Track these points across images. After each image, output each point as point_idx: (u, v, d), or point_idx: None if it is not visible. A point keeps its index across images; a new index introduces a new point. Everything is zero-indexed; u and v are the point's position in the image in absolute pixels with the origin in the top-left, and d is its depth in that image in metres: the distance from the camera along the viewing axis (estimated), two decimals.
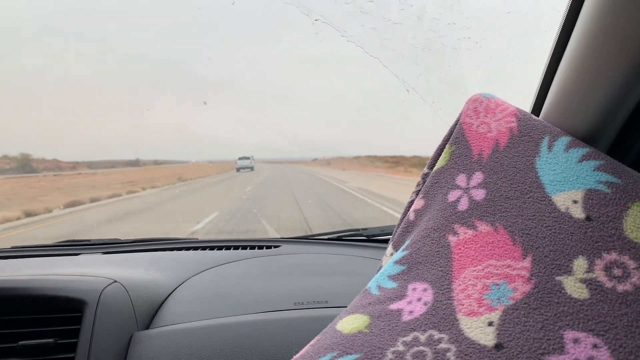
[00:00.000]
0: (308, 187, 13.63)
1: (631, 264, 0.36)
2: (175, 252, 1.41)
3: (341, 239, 1.54)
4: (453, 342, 0.38)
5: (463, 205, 0.47)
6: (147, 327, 0.91)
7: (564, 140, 0.44)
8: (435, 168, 0.52)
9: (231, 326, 0.87)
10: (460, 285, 0.42)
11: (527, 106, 0.56)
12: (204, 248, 1.45)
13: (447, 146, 0.52)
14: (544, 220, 0.41)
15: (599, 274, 0.36)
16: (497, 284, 0.40)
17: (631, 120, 0.44)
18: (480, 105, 0.51)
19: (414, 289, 0.45)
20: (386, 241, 1.36)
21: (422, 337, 0.40)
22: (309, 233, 1.74)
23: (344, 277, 1.17)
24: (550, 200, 0.42)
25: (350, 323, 0.44)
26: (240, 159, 26.09)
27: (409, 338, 0.40)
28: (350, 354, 0.40)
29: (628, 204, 0.38)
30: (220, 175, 21.51)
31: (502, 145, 0.48)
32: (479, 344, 0.37)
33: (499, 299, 0.39)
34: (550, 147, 0.45)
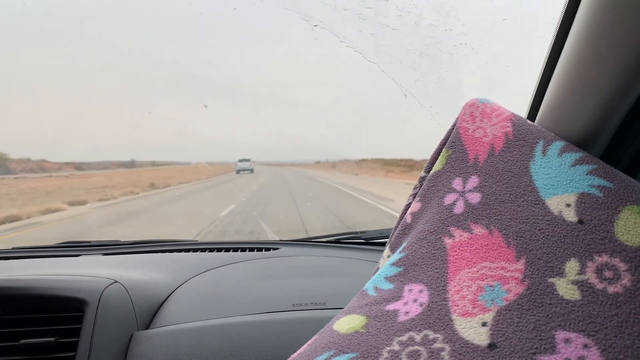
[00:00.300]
0: (329, 207, 8.20)
1: (622, 266, 0.36)
2: (174, 253, 1.41)
3: (339, 241, 1.54)
4: (447, 342, 0.39)
5: (459, 208, 0.48)
6: (147, 327, 0.92)
7: (558, 144, 0.45)
8: (431, 172, 0.53)
9: (230, 326, 0.88)
10: (455, 286, 0.43)
11: (522, 111, 0.56)
12: (203, 250, 1.45)
13: (443, 150, 0.53)
14: (538, 223, 0.42)
15: (591, 276, 0.37)
16: (492, 286, 0.41)
17: (624, 126, 0.45)
18: (476, 110, 0.52)
19: (410, 290, 0.45)
20: (384, 244, 1.37)
21: (418, 337, 0.40)
22: None
23: (342, 279, 1.18)
24: (543, 203, 0.43)
25: (347, 323, 0.45)
26: (240, 161, 26.06)
27: (404, 338, 0.41)
28: (347, 353, 0.41)
29: (619, 207, 0.39)
30: (210, 180, 19.13)
31: (497, 149, 0.49)
32: (472, 344, 0.38)
33: (492, 300, 0.40)
34: (544, 152, 0.45)
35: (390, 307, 0.45)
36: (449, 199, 0.49)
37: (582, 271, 0.38)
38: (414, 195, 0.54)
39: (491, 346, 0.37)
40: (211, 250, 1.45)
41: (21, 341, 0.79)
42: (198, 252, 1.43)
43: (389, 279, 0.48)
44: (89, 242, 1.50)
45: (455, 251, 0.45)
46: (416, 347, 0.39)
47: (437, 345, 0.39)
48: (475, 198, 0.47)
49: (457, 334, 0.39)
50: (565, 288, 0.38)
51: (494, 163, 0.48)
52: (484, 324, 0.39)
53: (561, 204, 0.42)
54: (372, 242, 1.52)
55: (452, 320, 0.40)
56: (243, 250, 1.45)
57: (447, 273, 0.44)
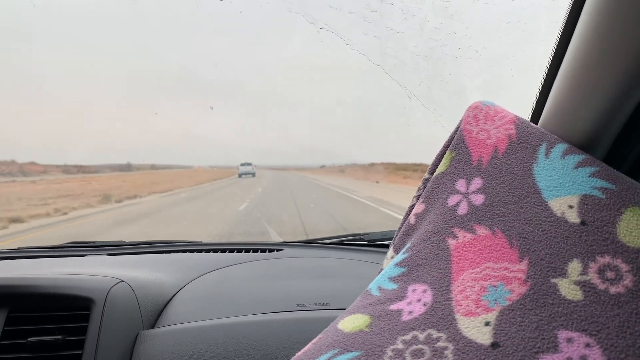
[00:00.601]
0: None
1: (624, 267, 0.37)
2: (179, 254, 1.42)
3: (343, 243, 1.55)
4: (451, 341, 0.39)
5: (462, 209, 0.48)
6: (153, 326, 0.93)
7: (561, 147, 0.46)
8: (435, 173, 0.53)
9: (234, 326, 0.88)
10: (458, 286, 0.43)
11: (526, 114, 0.57)
12: (207, 251, 1.46)
13: (447, 152, 0.53)
14: (541, 224, 0.42)
15: (593, 277, 0.38)
16: (495, 286, 0.41)
17: (627, 128, 0.45)
18: (480, 113, 0.53)
19: (414, 290, 0.46)
20: (387, 246, 1.37)
21: (421, 336, 0.41)
22: None
23: (345, 280, 1.18)
24: (546, 205, 0.43)
25: (351, 322, 0.45)
26: (242, 165, 26.06)
27: (408, 337, 0.41)
28: (351, 351, 0.41)
29: (622, 209, 0.39)
30: (198, 188, 15.67)
31: (500, 151, 0.49)
32: (475, 343, 0.38)
33: (496, 300, 0.40)
34: (547, 154, 0.46)
35: (394, 306, 0.45)
36: (452, 200, 0.50)
37: (584, 272, 0.38)
38: (418, 197, 0.55)
39: (494, 345, 0.37)
40: (215, 251, 1.46)
41: (29, 339, 0.81)
42: (203, 253, 1.44)
43: (392, 279, 0.48)
44: (94, 242, 1.51)
45: (458, 252, 0.46)
46: (420, 346, 0.40)
47: (440, 344, 0.39)
48: (478, 199, 0.48)
49: (460, 333, 0.39)
50: (567, 288, 0.38)
51: (497, 165, 0.49)
52: (487, 324, 0.39)
53: (564, 205, 0.42)
54: (375, 243, 1.52)
55: (455, 320, 0.41)
56: (247, 251, 1.46)
57: (450, 273, 0.45)
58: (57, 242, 1.49)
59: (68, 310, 0.85)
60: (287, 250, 1.46)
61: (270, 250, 1.46)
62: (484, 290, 0.42)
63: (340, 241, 1.56)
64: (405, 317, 0.43)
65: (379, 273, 0.52)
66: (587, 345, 0.35)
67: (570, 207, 0.42)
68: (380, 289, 0.48)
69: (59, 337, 0.81)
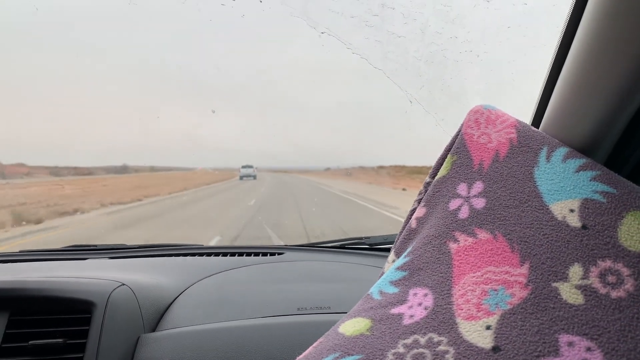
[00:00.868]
0: None
1: (625, 271, 0.37)
2: (181, 257, 1.42)
3: (344, 247, 1.55)
4: (452, 345, 0.39)
5: (464, 213, 0.48)
6: (154, 330, 0.93)
7: (562, 151, 0.46)
8: (436, 177, 0.53)
9: (236, 329, 0.88)
10: (459, 290, 0.43)
11: (527, 118, 0.57)
12: (209, 254, 1.46)
13: (448, 156, 0.53)
14: (542, 228, 0.42)
15: (594, 281, 0.38)
16: (496, 290, 0.41)
17: (628, 132, 0.45)
18: (481, 117, 0.53)
19: (415, 294, 0.46)
20: (388, 250, 1.36)
21: (422, 340, 0.41)
22: None
23: (347, 284, 1.18)
24: (547, 209, 0.43)
25: (352, 326, 0.45)
26: (243, 167, 26.12)
27: (409, 340, 0.41)
28: (352, 355, 0.41)
29: (623, 213, 0.39)
30: (171, 199, 13.12)
31: (502, 155, 0.49)
32: (476, 347, 0.38)
33: (497, 303, 0.40)
34: (548, 158, 0.46)
35: (395, 310, 0.45)
36: (453, 204, 0.50)
37: (585, 276, 0.38)
38: (419, 201, 0.55)
39: (495, 349, 0.37)
40: (217, 254, 1.46)
41: (30, 342, 0.81)
42: (204, 257, 1.44)
43: (394, 283, 0.48)
44: (96, 245, 1.52)
45: (459, 256, 0.46)
46: (421, 350, 0.40)
47: (441, 347, 0.39)
48: (479, 203, 0.48)
49: (461, 337, 0.39)
50: (568, 292, 0.38)
51: (499, 169, 0.49)
52: (488, 327, 0.39)
53: (565, 209, 0.42)
54: (376, 247, 1.52)
55: (456, 324, 0.41)
56: (248, 255, 1.46)
57: (451, 277, 0.45)
58: None
59: (69, 314, 0.86)
60: (288, 254, 1.46)
61: (272, 254, 1.46)
62: (485, 294, 0.42)
63: (341, 245, 1.56)
64: (406, 321, 0.43)
65: (380, 277, 0.52)
66: (588, 349, 0.35)
67: (572, 211, 0.42)
68: (381, 292, 0.48)
69: (60, 340, 0.81)
